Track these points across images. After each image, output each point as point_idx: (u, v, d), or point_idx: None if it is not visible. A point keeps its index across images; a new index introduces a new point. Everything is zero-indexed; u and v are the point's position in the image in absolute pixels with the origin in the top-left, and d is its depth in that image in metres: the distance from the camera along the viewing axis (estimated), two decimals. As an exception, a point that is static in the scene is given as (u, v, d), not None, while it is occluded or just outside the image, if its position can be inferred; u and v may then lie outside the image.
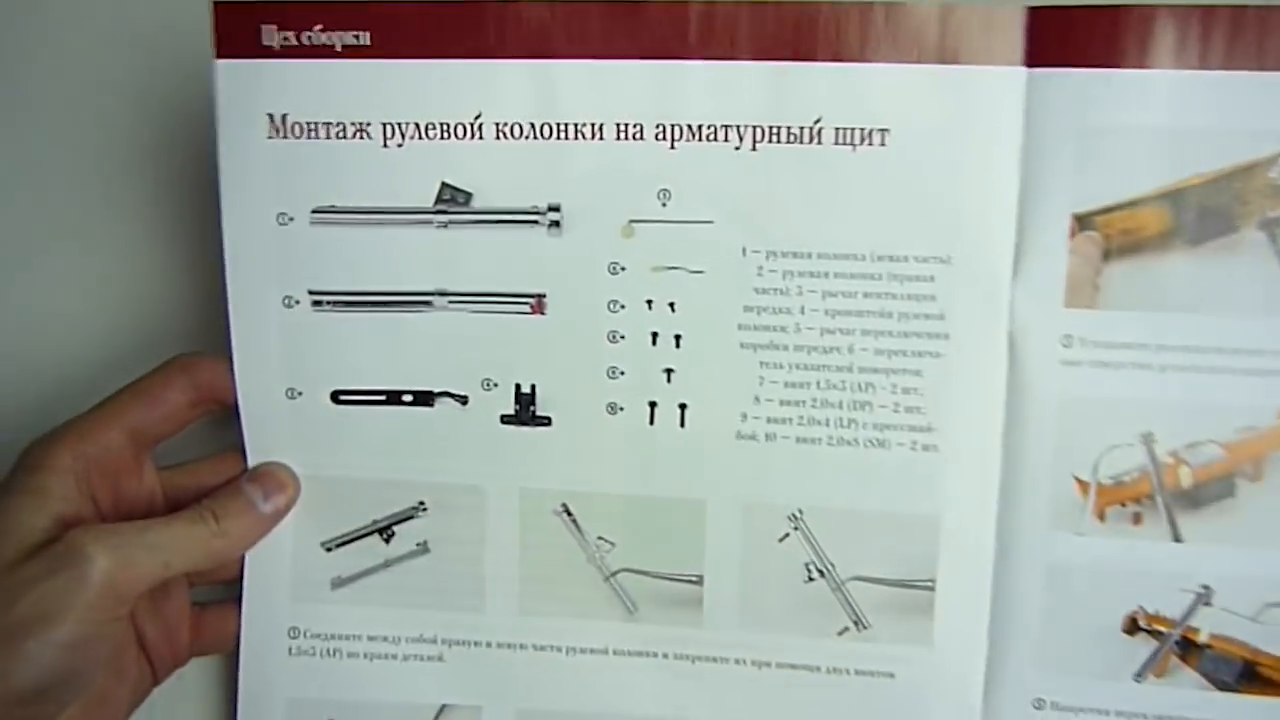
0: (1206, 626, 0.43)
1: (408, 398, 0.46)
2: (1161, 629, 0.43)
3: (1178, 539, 0.43)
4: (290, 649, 0.47)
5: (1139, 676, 0.44)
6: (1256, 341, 0.42)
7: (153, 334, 0.51)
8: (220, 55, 0.44)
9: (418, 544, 0.47)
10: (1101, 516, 0.43)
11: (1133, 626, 0.44)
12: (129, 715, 0.46)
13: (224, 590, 0.48)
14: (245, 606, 0.47)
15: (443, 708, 0.47)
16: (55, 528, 0.42)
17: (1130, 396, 0.42)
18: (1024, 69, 0.41)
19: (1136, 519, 0.43)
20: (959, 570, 0.44)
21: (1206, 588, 0.43)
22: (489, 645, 0.47)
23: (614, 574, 0.46)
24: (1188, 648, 0.43)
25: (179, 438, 0.46)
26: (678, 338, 0.44)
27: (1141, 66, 0.41)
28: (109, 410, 0.45)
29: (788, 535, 0.45)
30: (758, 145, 0.43)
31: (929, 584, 0.44)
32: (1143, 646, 0.44)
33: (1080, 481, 0.43)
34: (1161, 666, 0.44)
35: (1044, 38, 0.41)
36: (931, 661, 0.45)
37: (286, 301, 0.45)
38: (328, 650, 0.47)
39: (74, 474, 0.44)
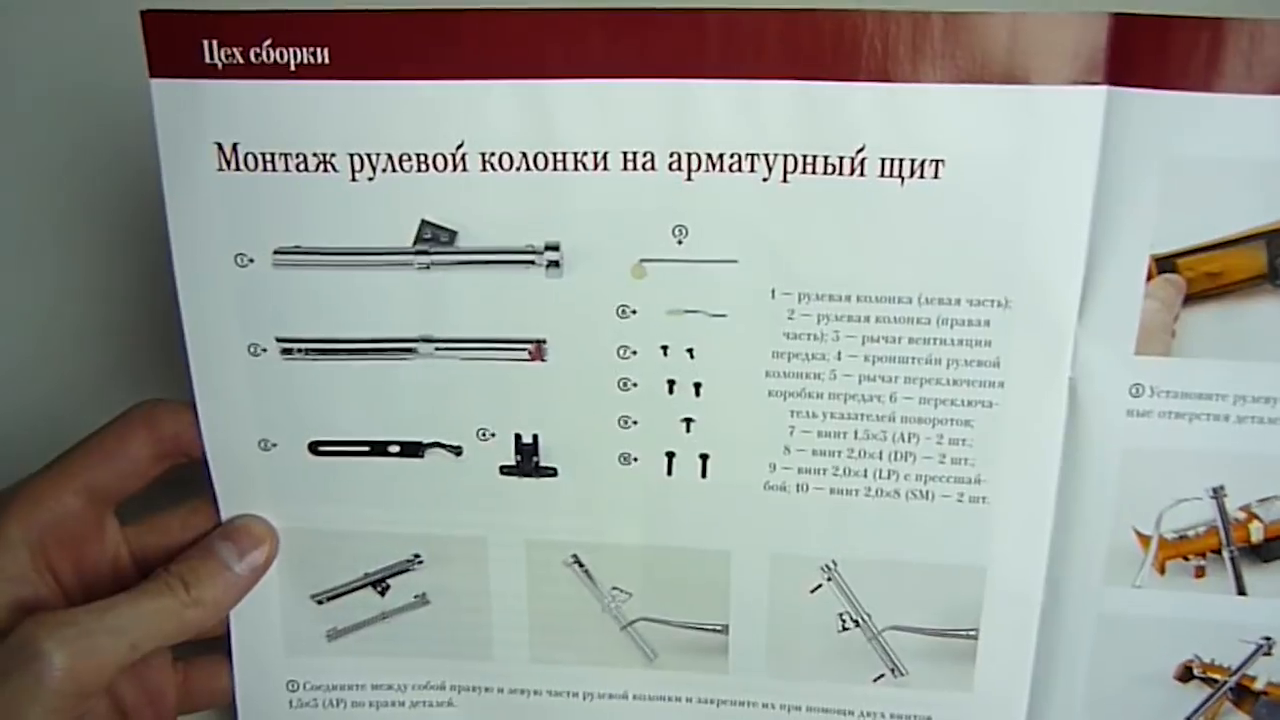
0: (1264, 675, 0.41)
1: (394, 449, 0.41)
2: (1217, 677, 0.41)
3: (1242, 592, 0.40)
4: (291, 702, 0.44)
5: (1190, 721, 0.42)
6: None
7: (111, 378, 0.45)
8: (155, 74, 0.37)
9: (416, 596, 0.43)
10: (1162, 570, 0.40)
11: (1186, 675, 0.41)
12: None
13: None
14: (237, 663, 0.44)
15: (454, 755, 0.45)
16: (9, 614, 0.39)
17: (1202, 448, 0.38)
18: (1104, 88, 0.35)
19: (1199, 573, 0.40)
20: (1003, 621, 0.41)
21: (1268, 639, 0.40)
22: (500, 691, 0.44)
23: (631, 623, 0.43)
24: (1242, 694, 0.41)
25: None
26: (697, 386, 0.40)
27: (1241, 91, 0.34)
28: (63, 469, 0.40)
29: (820, 586, 0.41)
30: (789, 177, 0.37)
31: (971, 633, 0.41)
32: (1195, 693, 0.41)
33: (1141, 535, 0.39)
34: (1214, 711, 0.41)
35: (1129, 52, 0.35)
36: (971, 706, 0.42)
37: (252, 349, 0.40)
38: (330, 701, 0.44)
39: (27, 547, 0.40)
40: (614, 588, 0.42)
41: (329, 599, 0.43)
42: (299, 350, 0.40)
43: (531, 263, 0.38)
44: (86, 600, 0.39)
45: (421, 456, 0.41)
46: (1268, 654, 0.40)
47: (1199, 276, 0.37)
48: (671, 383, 0.40)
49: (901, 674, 0.42)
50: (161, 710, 0.44)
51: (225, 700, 0.44)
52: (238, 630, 0.43)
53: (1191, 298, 0.37)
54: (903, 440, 0.39)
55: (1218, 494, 0.39)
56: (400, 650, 0.44)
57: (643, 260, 0.38)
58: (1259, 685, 0.41)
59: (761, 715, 0.43)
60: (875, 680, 0.42)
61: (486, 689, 0.44)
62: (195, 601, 0.40)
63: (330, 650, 0.44)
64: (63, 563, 0.41)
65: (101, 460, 0.40)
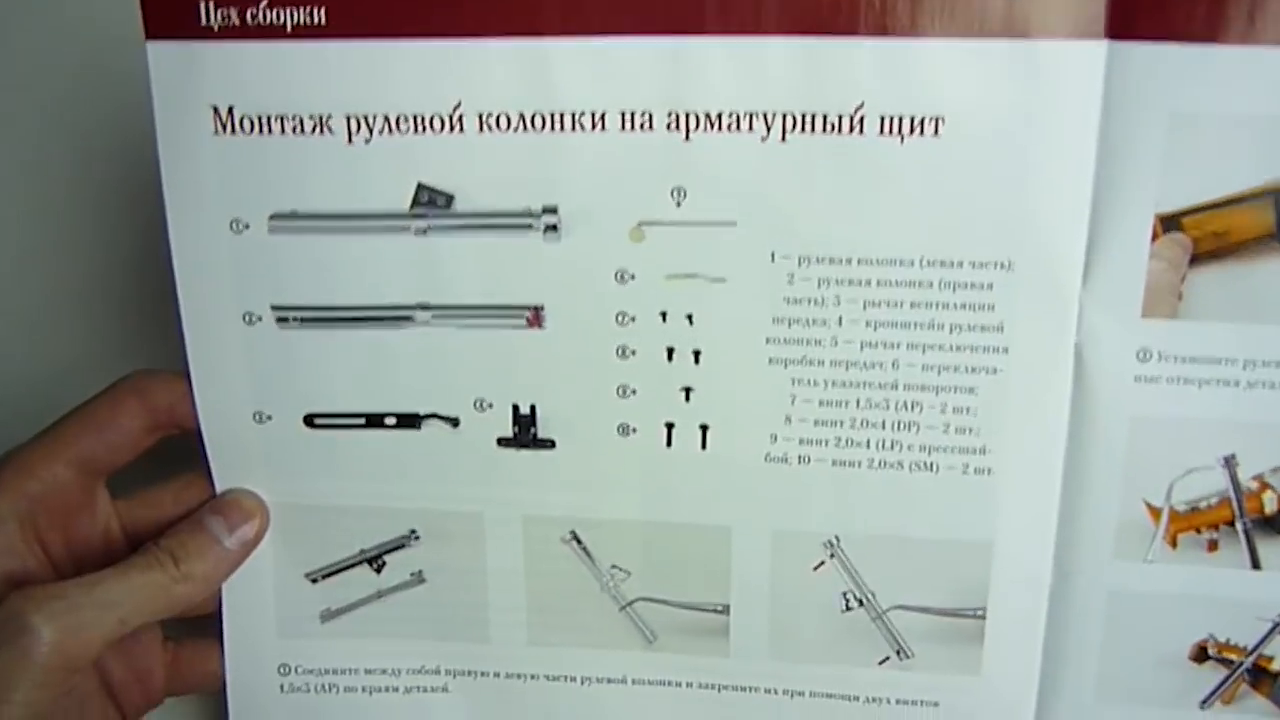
0: (1282, 655, 0.40)
1: (390, 420, 0.41)
2: (1232, 657, 0.40)
3: (1256, 566, 0.39)
4: (282, 686, 0.43)
5: (1205, 704, 0.40)
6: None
7: (103, 347, 0.45)
8: (151, 36, 0.37)
9: (412, 574, 0.42)
10: (1174, 543, 0.39)
11: (1201, 655, 0.40)
12: None
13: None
14: (228, 645, 0.43)
15: (450, 742, 0.44)
16: None
17: (1212, 416, 0.37)
18: (1105, 42, 0.35)
19: (1212, 546, 0.39)
20: (1012, 599, 0.40)
21: (1285, 615, 0.39)
22: (497, 675, 0.43)
23: (630, 603, 0.42)
24: (1259, 675, 0.40)
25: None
26: (697, 353, 0.39)
27: (1247, 43, 0.34)
28: (52, 440, 0.40)
29: (823, 563, 0.41)
30: (788, 136, 0.36)
31: (979, 613, 0.40)
32: (1210, 674, 0.40)
33: (1151, 507, 0.38)
34: (1230, 694, 0.40)
35: (1131, 4, 0.34)
36: (979, 690, 0.41)
37: (247, 318, 0.39)
38: (323, 686, 0.43)
39: (16, 520, 0.39)
40: (613, 566, 0.41)
41: (324, 577, 0.42)
42: (294, 318, 0.39)
43: (529, 226, 0.38)
44: (76, 574, 0.38)
45: (418, 428, 0.41)
46: (1285, 632, 0.39)
47: (1205, 236, 0.36)
48: (670, 350, 0.39)
49: (907, 656, 0.41)
50: (149, 689, 0.43)
51: (215, 684, 0.43)
52: (230, 610, 0.43)
53: (1197, 258, 0.36)
54: (906, 409, 0.39)
55: (1229, 463, 0.38)
56: (395, 632, 0.43)
57: (641, 223, 0.38)
58: (1276, 665, 0.40)
59: (763, 701, 0.42)
60: (880, 663, 0.41)
61: (482, 673, 0.43)
62: (185, 576, 0.39)
63: (324, 632, 0.43)
64: (52, 535, 0.40)
65: (92, 431, 0.40)
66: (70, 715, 0.39)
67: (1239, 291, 0.37)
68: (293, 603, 0.43)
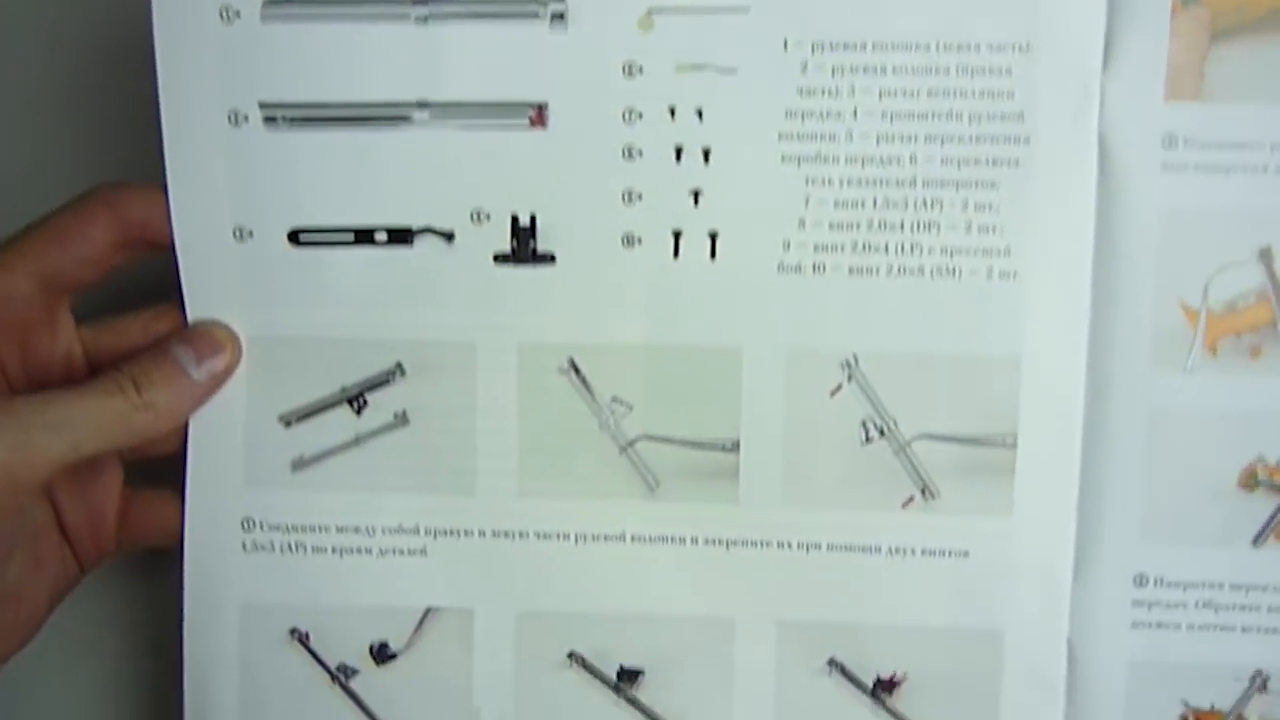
0: (1337, 478, 0.37)
1: (381, 236, 0.38)
2: (1285, 482, 0.37)
3: (1303, 373, 0.37)
4: (244, 544, 0.39)
5: (1259, 540, 0.37)
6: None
7: (71, 157, 0.42)
8: None
9: (395, 414, 0.39)
10: (1213, 349, 0.37)
11: (1251, 481, 0.37)
12: (50, 608, 0.39)
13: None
14: (189, 493, 0.39)
15: (428, 611, 0.39)
16: None
17: (1243, 205, 0.36)
18: None
19: (1254, 351, 0.37)
20: (1044, 422, 0.37)
21: (1338, 431, 0.37)
22: (482, 535, 0.39)
23: (632, 443, 0.38)
24: (1314, 506, 0.37)
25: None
26: (706, 152, 0.37)
27: None
28: (14, 249, 0.37)
29: (840, 387, 0.38)
30: (800, -86, 0.36)
31: (1008, 440, 0.37)
32: (1263, 504, 0.37)
33: (1188, 309, 0.36)
34: (1285, 528, 0.37)
35: None
36: (1012, 535, 0.38)
37: (232, 117, 0.37)
38: (289, 545, 0.39)
39: None
40: (613, 399, 0.38)
41: (299, 420, 0.39)
42: (283, 118, 0.37)
43: (535, 15, 0.37)
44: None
45: (410, 244, 0.38)
46: (1338, 451, 0.37)
47: (1225, 9, 0.35)
48: (679, 149, 0.37)
49: (933, 496, 0.38)
50: (101, 535, 0.39)
51: (171, 537, 0.39)
52: (194, 452, 0.39)
53: (1220, 35, 0.36)
54: (925, 207, 0.37)
55: (1265, 256, 0.36)
56: (373, 484, 0.39)
57: (651, 10, 0.37)
58: (1332, 494, 0.37)
59: (776, 556, 0.39)
60: (905, 505, 0.38)
61: (466, 532, 0.39)
62: (146, 405, 0.36)
63: (294, 483, 0.39)
64: (8, 350, 0.37)
65: (58, 242, 0.37)
66: (22, 556, 0.36)
67: (1262, 69, 0.36)
68: (262, 448, 0.39)
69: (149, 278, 0.39)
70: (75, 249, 0.37)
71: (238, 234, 0.38)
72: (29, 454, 0.34)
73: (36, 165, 0.43)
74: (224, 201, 0.38)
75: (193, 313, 0.38)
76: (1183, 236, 0.36)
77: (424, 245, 0.38)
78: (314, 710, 0.40)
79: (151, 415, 0.37)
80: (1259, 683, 0.37)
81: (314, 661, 0.39)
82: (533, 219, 0.38)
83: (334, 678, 0.39)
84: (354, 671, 0.39)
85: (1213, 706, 0.38)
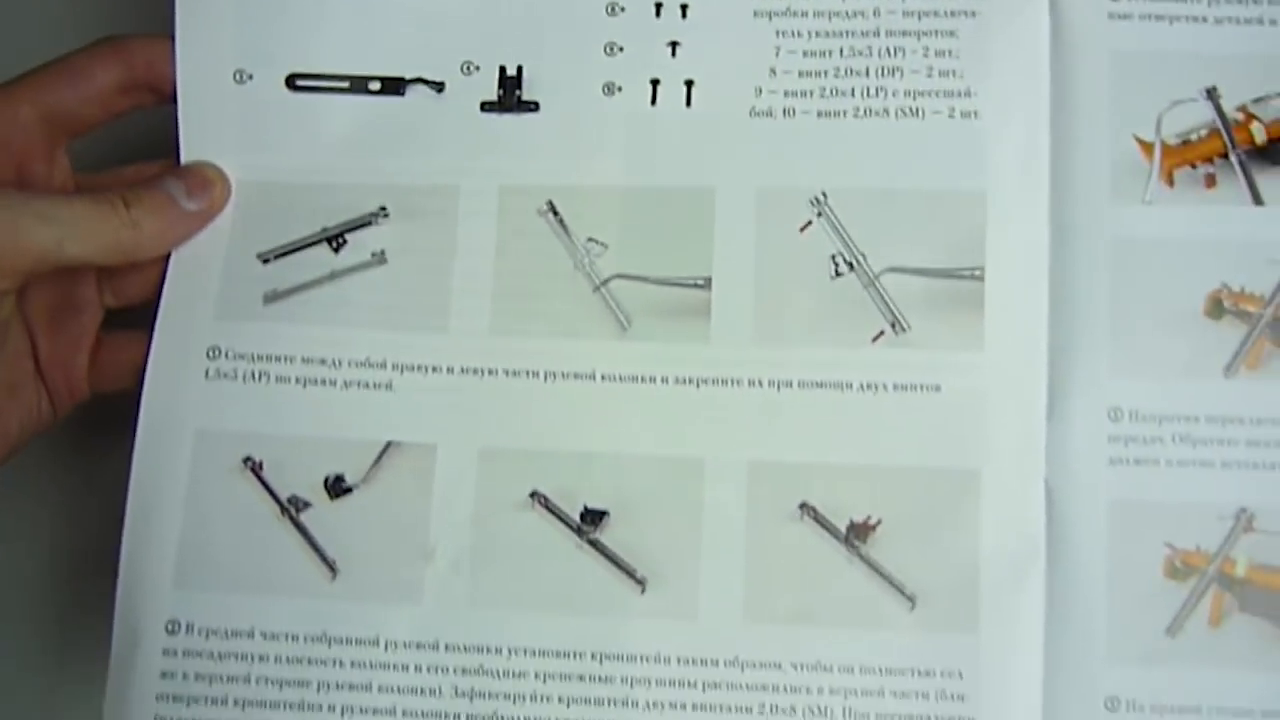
0: (1302, 305, 0.37)
1: (375, 85, 0.40)
2: (1250, 309, 0.37)
3: (1258, 201, 0.37)
4: (208, 371, 0.39)
5: (1230, 370, 0.37)
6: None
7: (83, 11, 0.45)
8: None
9: (373, 254, 0.39)
10: (1170, 180, 0.38)
11: (1216, 308, 0.37)
12: (21, 440, 0.38)
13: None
14: (159, 321, 0.39)
15: (388, 445, 0.38)
16: None
17: (1188, 49, 0.38)
18: None
19: (1210, 181, 0.38)
20: (1010, 254, 0.38)
21: (1301, 258, 0.37)
22: (450, 370, 0.39)
23: (605, 282, 0.39)
24: (1282, 330, 0.37)
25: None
26: (684, 7, 0.40)
27: None
28: (23, 81, 0.39)
29: (810, 223, 0.39)
30: None
31: (976, 273, 0.38)
32: (1231, 332, 0.37)
33: (1143, 142, 0.38)
34: (1254, 356, 0.37)
35: None
36: (983, 368, 0.37)
37: None
38: (252, 374, 0.39)
39: None
40: (589, 239, 0.39)
41: (276, 257, 0.40)
42: (290, -35, 0.40)
43: (527, -128, 0.40)
44: None
45: (402, 94, 0.40)
46: (1303, 278, 0.37)
47: None
48: (659, 5, 0.40)
49: (903, 329, 0.38)
50: (74, 376, 0.40)
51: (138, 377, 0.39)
52: (169, 288, 0.39)
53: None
54: (889, 55, 0.39)
55: (1212, 94, 0.38)
56: (344, 319, 0.39)
57: None
58: (1300, 318, 0.37)
59: (747, 395, 0.38)
60: (875, 339, 0.38)
61: (434, 368, 0.39)
62: (133, 223, 0.37)
63: (264, 314, 0.39)
64: (5, 171, 0.38)
65: (65, 79, 0.39)
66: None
67: (1197, -72, 0.39)
68: (236, 282, 0.39)
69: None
70: (80, 87, 0.39)
71: (238, 76, 0.40)
72: (15, 238, 0.35)
73: (48, 18, 0.46)
74: (228, 43, 0.40)
75: (187, 155, 0.40)
76: (1133, 76, 0.38)
77: (415, 95, 0.40)
78: (260, 542, 0.38)
79: (137, 234, 0.37)
80: (1244, 520, 0.36)
81: (265, 492, 0.38)
82: (519, 69, 0.40)
83: (284, 509, 0.38)
84: (306, 504, 0.38)
85: (1198, 547, 0.36)
